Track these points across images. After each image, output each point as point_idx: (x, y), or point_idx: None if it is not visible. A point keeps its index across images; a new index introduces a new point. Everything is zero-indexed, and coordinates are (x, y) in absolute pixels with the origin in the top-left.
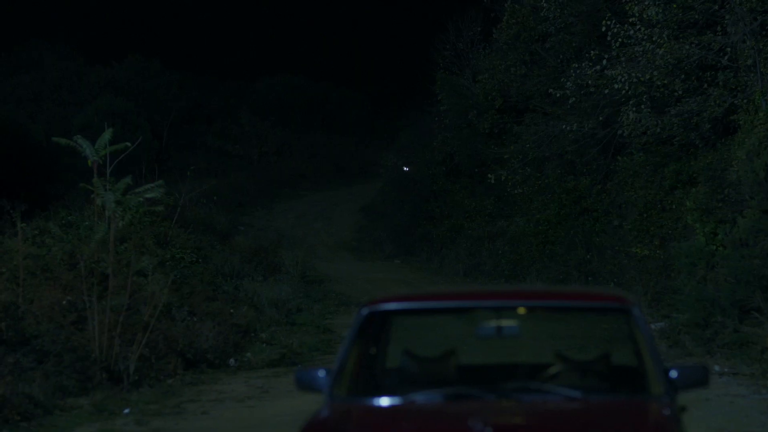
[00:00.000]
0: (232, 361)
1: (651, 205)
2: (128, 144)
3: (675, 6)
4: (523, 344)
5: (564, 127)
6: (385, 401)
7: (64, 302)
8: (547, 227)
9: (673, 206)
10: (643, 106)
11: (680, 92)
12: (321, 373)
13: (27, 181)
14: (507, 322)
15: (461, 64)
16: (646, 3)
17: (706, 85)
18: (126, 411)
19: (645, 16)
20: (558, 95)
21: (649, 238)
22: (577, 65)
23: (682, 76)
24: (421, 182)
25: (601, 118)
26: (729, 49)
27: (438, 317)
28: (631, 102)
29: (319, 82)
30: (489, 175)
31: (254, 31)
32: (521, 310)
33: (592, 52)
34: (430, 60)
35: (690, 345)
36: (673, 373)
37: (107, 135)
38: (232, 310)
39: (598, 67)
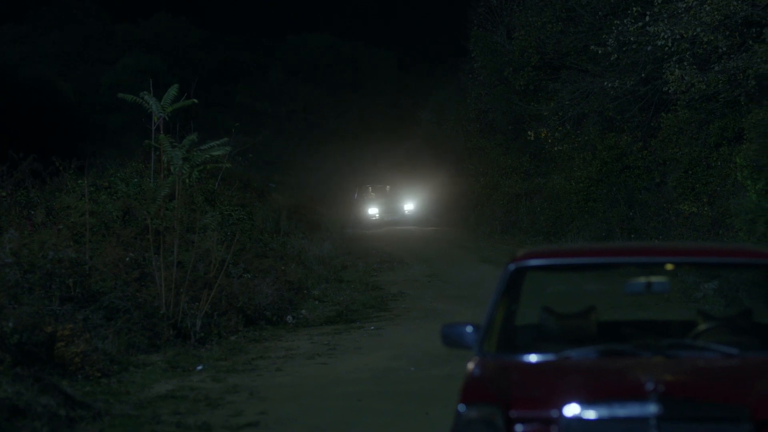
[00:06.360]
0: (289, 318)
1: (696, 162)
2: (195, 100)
3: None
4: (642, 300)
5: (605, 84)
6: (537, 357)
7: (127, 259)
8: (588, 184)
9: (719, 163)
10: (686, 63)
11: (724, 48)
12: (468, 329)
13: (59, 138)
14: (657, 278)
15: (495, 21)
16: None
17: (750, 42)
18: (199, 368)
19: None
20: (599, 52)
21: (694, 195)
22: (618, 22)
23: (726, 33)
24: (455, 139)
25: (642, 75)
26: None
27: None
28: (674, 59)
29: (348, 41)
30: (528, 133)
31: None
32: (669, 266)
33: (633, 8)
34: (464, 17)
35: (748, 303)
36: None
37: (173, 91)
38: (283, 267)
39: (640, 24)
